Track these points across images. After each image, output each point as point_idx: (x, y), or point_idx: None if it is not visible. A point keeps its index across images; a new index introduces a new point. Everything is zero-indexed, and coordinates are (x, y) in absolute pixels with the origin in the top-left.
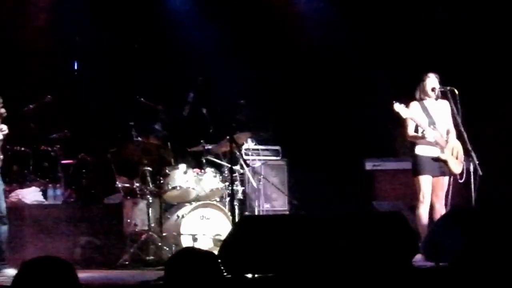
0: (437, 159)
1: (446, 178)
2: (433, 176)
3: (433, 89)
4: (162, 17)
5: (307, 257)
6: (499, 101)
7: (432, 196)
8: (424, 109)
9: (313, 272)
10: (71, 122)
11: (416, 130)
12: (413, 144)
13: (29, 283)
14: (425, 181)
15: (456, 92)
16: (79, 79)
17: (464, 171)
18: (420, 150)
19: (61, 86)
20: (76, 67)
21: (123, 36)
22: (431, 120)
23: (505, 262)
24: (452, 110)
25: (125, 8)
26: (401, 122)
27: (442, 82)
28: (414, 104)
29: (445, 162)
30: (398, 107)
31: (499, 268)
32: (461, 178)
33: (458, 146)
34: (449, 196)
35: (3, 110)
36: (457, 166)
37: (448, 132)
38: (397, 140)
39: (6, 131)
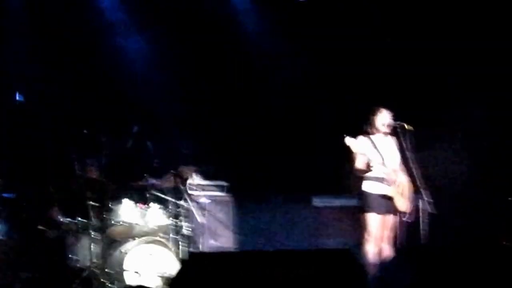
0: (384, 197)
1: (392, 217)
2: (379, 214)
3: (384, 124)
4: (106, 49)
5: None
6: (451, 138)
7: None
8: (373, 144)
9: None
10: (12, 155)
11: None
12: (361, 180)
13: None
14: (373, 219)
15: (407, 127)
16: (21, 111)
17: (413, 211)
18: (367, 186)
19: (2, 118)
20: (18, 98)
21: (66, 68)
22: (380, 155)
23: None
24: (401, 146)
25: (68, 41)
26: (350, 157)
27: (393, 118)
28: (362, 139)
29: (391, 199)
30: (349, 140)
31: None
32: (409, 218)
33: (404, 184)
34: (398, 235)
35: None
36: (403, 204)
37: (395, 169)
38: (347, 177)
39: None
